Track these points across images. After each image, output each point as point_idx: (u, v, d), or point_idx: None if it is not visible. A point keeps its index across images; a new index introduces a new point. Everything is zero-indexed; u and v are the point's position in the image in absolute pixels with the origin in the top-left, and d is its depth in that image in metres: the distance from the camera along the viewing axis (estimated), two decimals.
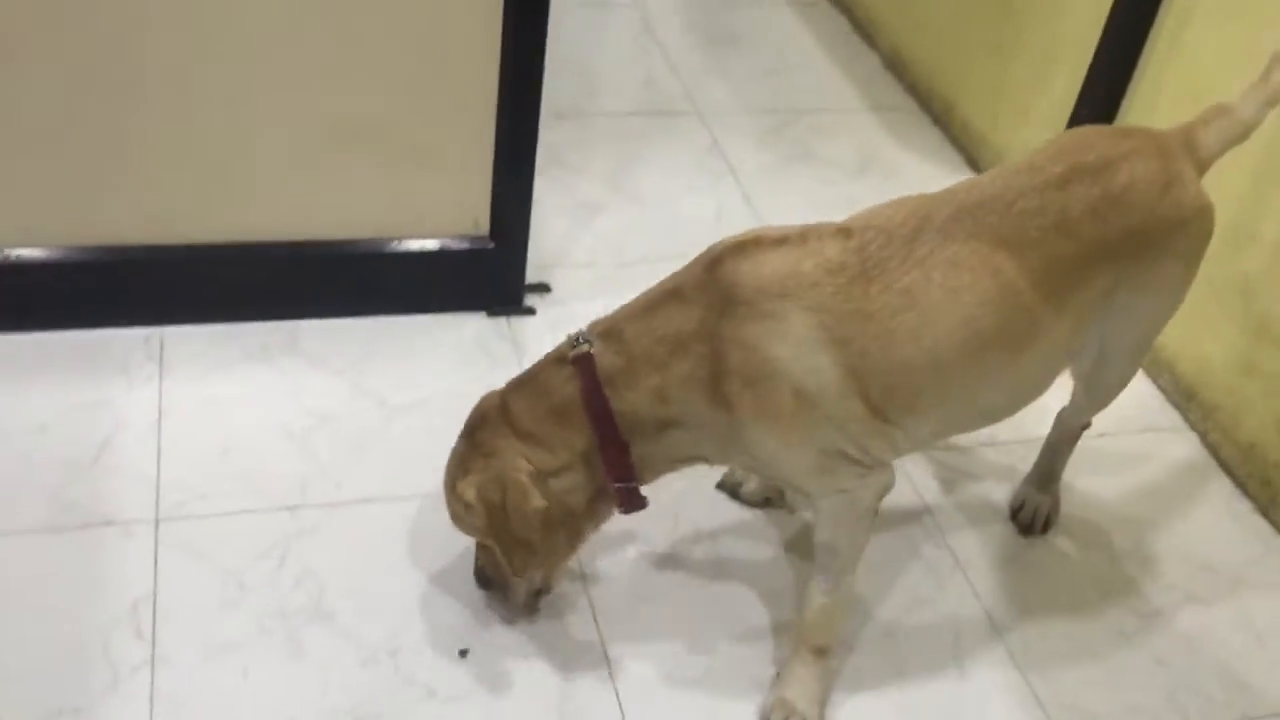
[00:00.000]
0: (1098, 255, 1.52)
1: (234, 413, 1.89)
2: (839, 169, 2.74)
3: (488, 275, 2.15)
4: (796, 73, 3.08)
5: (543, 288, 2.23)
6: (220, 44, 1.80)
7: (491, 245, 2.11)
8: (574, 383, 1.46)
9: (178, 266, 1.98)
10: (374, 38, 1.86)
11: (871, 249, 1.44)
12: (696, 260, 1.48)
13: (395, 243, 2.07)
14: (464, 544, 1.67)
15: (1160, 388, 2.22)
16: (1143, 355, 1.77)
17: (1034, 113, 2.59)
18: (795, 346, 1.40)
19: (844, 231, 1.45)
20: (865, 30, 3.27)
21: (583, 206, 2.48)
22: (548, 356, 1.52)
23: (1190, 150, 1.60)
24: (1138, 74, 2.27)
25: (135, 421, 1.84)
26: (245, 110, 1.87)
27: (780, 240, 1.44)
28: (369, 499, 1.79)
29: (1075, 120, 2.38)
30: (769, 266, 1.41)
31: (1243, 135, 1.64)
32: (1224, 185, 2.03)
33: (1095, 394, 1.79)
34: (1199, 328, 2.12)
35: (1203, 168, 1.61)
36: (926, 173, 2.73)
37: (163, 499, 1.73)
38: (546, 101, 2.03)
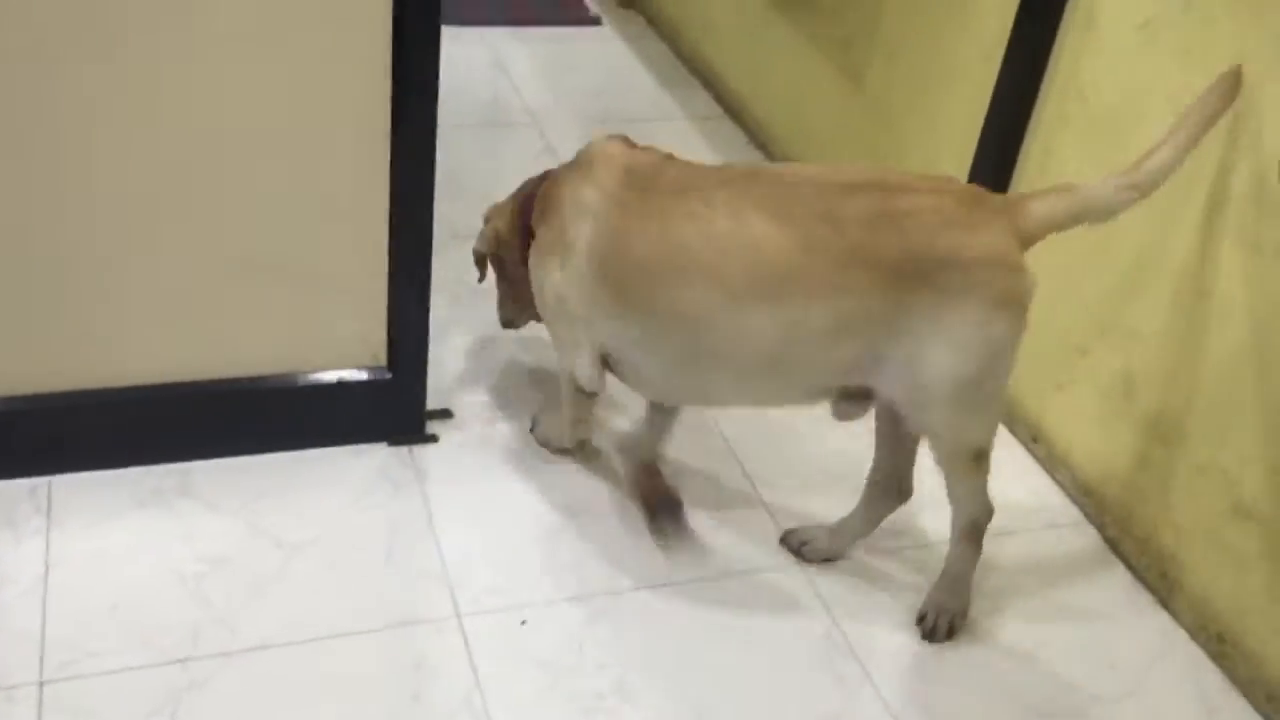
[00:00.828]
0: (862, 264, 1.61)
1: (124, 563, 1.84)
2: None
3: (387, 405, 2.14)
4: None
5: (444, 414, 2.22)
6: (106, 183, 1.79)
7: (389, 376, 2.10)
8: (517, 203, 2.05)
9: (64, 414, 1.94)
10: (262, 172, 1.86)
11: (669, 174, 1.79)
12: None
13: (291, 378, 2.06)
14: (370, 690, 1.63)
15: (1058, 483, 2.26)
16: (968, 411, 1.73)
17: None
18: (573, 201, 1.85)
19: (668, 157, 1.85)
20: (760, 143, 3.36)
21: (486, 324, 2.48)
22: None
23: (1011, 212, 1.65)
24: (1015, 177, 2.35)
25: (20, 577, 1.79)
26: (131, 249, 1.86)
27: (627, 142, 1.90)
28: (265, 645, 1.74)
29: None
30: (610, 149, 1.88)
31: (1090, 215, 1.67)
32: (1101, 282, 2.11)
33: (930, 438, 1.80)
34: (1091, 424, 2.17)
35: (1026, 235, 1.64)
36: None
37: (48, 659, 1.67)
38: (445, 224, 2.07)
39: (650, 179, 1.79)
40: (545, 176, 2.01)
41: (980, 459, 1.79)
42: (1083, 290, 2.15)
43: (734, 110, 3.49)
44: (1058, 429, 2.26)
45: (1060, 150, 2.22)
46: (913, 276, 1.61)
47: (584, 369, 1.93)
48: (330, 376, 2.08)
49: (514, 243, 2.04)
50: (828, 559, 2.03)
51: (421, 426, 2.18)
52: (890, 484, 1.95)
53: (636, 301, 1.78)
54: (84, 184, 1.78)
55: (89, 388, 1.94)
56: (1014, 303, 1.64)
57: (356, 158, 1.90)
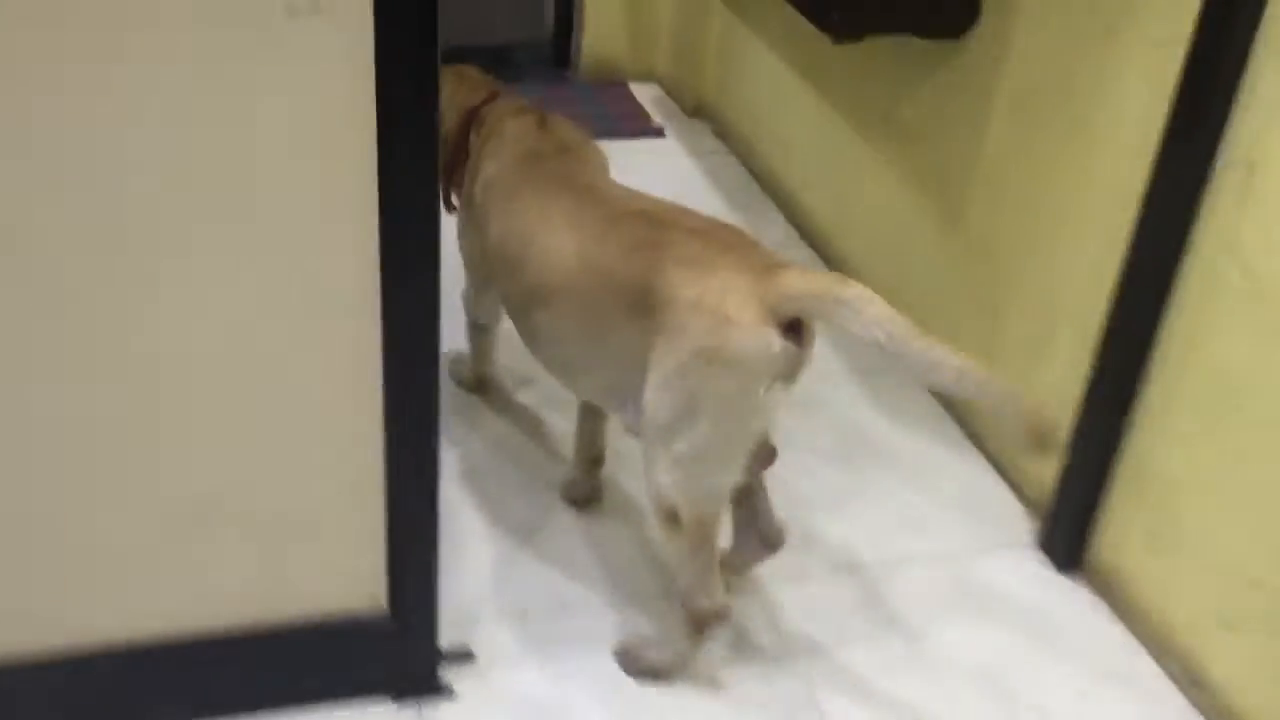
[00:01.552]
0: (611, 287, 1.66)
1: None
2: (817, 453, 2.38)
3: (391, 654, 1.77)
4: None
5: (463, 655, 1.85)
6: (54, 419, 1.47)
7: (391, 619, 1.74)
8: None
9: (11, 686, 1.61)
10: (235, 397, 1.53)
11: (545, 167, 1.92)
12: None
13: (275, 629, 1.70)
14: None
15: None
16: (660, 460, 1.64)
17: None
18: (482, 166, 1.99)
19: (564, 150, 1.99)
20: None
21: (511, 525, 2.12)
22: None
23: (762, 271, 1.55)
24: (1157, 354, 1.92)
25: None
26: (93, 493, 1.53)
27: (539, 118, 2.08)
28: None
29: (1089, 398, 2.03)
30: (521, 127, 2.03)
31: (835, 320, 1.53)
32: None
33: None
34: (1268, 674, 1.72)
35: (769, 302, 1.53)
36: (924, 452, 2.39)
37: None
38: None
39: (531, 167, 1.92)
40: (490, 97, 2.15)
41: (673, 523, 1.67)
42: (1264, 510, 1.72)
43: (814, 239, 3.11)
44: (1225, 676, 1.81)
45: (1212, 328, 1.80)
46: (645, 307, 1.60)
47: (476, 300, 2.19)
48: (320, 624, 1.72)
49: (454, 149, 2.10)
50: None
51: (434, 676, 1.80)
52: (748, 530, 1.90)
53: (493, 274, 1.96)
54: (20, 430, 1.46)
55: (44, 651, 1.61)
56: (719, 359, 1.54)
57: (345, 373, 1.55)
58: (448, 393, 2.42)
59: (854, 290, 1.54)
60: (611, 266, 1.66)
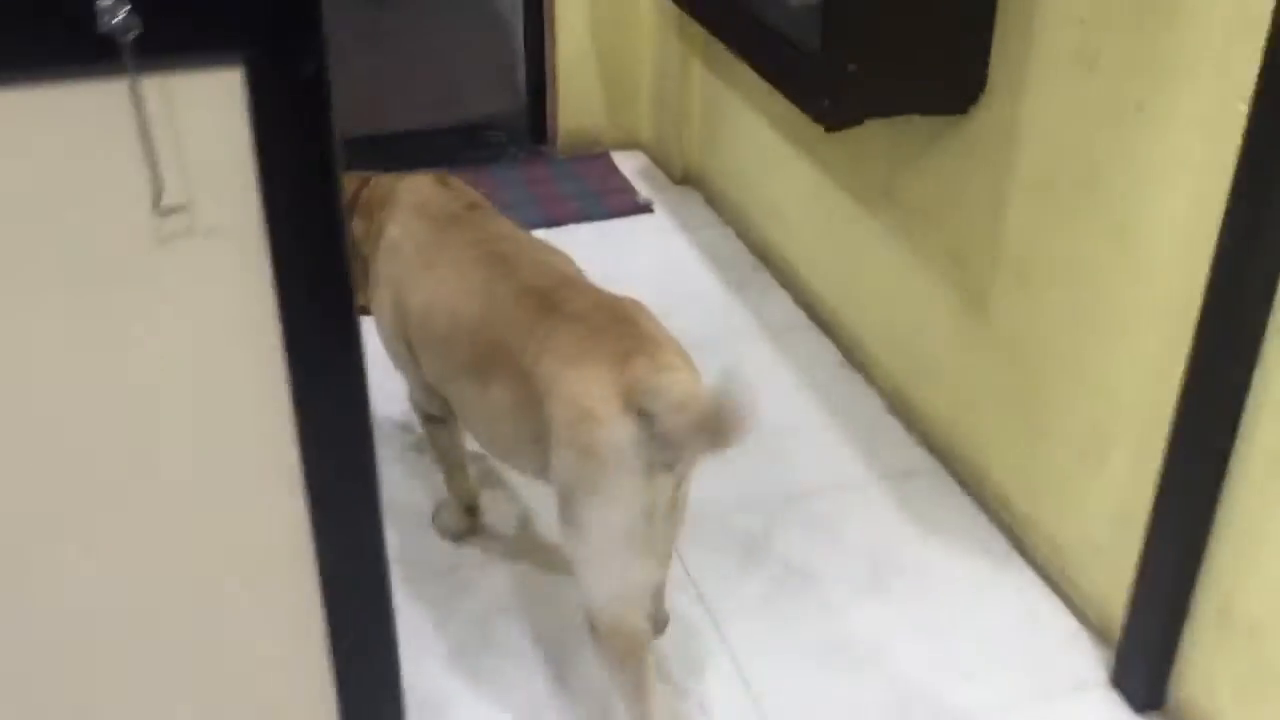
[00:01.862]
0: (504, 364, 1.62)
1: None
2: (848, 583, 2.13)
3: None
4: (781, 436, 2.51)
5: None
6: None
7: None
8: None
9: None
10: (165, 651, 1.29)
11: (456, 230, 1.83)
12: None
13: None
14: None
15: None
16: (569, 555, 1.59)
17: (1090, 502, 1.98)
18: (385, 239, 1.89)
19: (470, 206, 1.90)
20: (860, 365, 2.71)
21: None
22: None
23: (624, 363, 1.49)
24: (1237, 470, 1.66)
25: None
26: None
27: (440, 181, 1.95)
28: None
29: (1158, 520, 1.77)
30: (420, 192, 1.92)
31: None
32: None
33: None
34: None
35: (625, 396, 1.46)
36: (968, 573, 2.13)
37: None
38: None
39: (445, 230, 1.84)
40: (362, 183, 2.00)
41: (593, 629, 1.59)
42: None
43: (821, 320, 2.86)
44: None
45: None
46: (535, 398, 1.57)
47: (412, 386, 1.98)
48: None
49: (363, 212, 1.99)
50: None
51: None
52: None
53: (424, 352, 1.84)
54: None
55: None
56: (586, 454, 1.48)
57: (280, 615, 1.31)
58: (432, 554, 2.18)
59: (663, 378, 1.47)
60: (510, 353, 1.62)
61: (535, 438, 1.58)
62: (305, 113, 1.06)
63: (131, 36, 0.97)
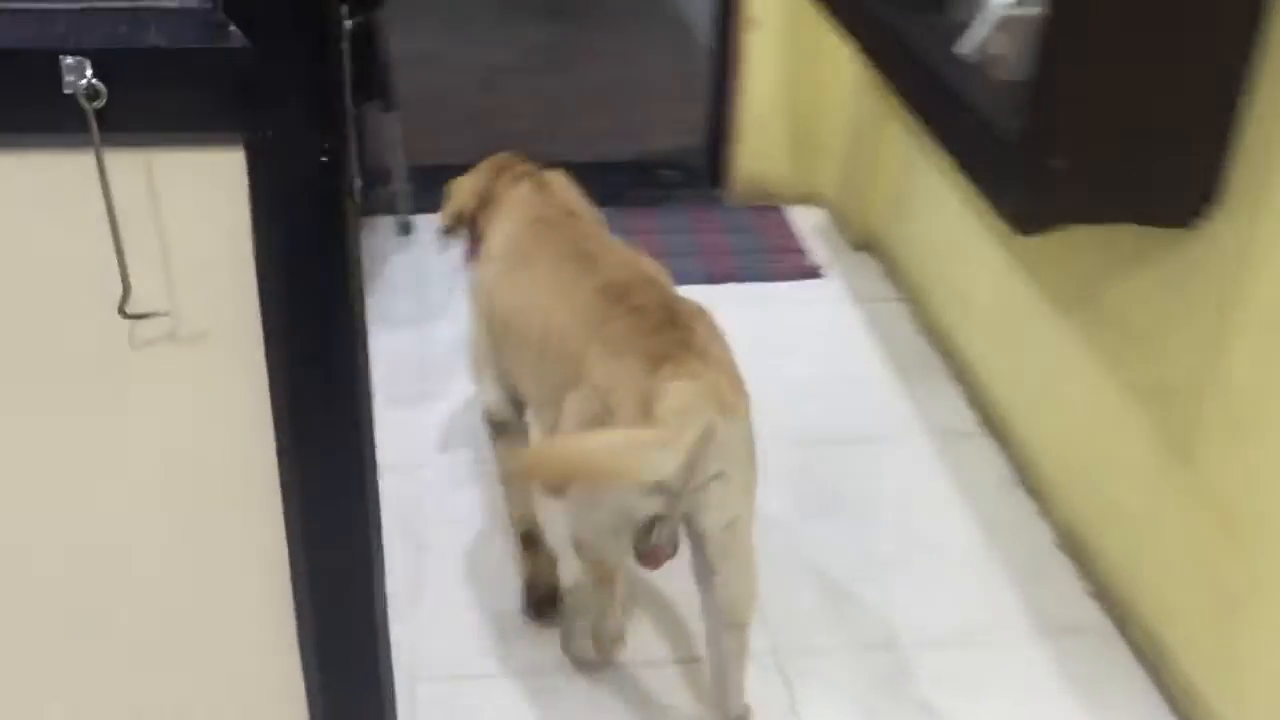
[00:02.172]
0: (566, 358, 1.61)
1: None
2: None
3: None
4: (929, 558, 2.19)
5: None
6: None
7: None
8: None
9: None
10: None
11: (555, 234, 1.84)
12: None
13: None
14: None
15: None
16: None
17: None
18: (491, 242, 1.95)
19: (570, 214, 1.93)
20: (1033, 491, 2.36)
21: None
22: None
23: (655, 374, 1.46)
24: None
25: None
26: None
27: (537, 184, 2.00)
28: None
29: None
30: (526, 198, 1.96)
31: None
32: None
33: None
34: None
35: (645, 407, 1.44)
36: None
37: None
38: None
39: (539, 235, 1.84)
40: (503, 169, 2.04)
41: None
42: None
43: (994, 427, 2.52)
44: None
45: None
46: (579, 376, 1.57)
47: (489, 393, 1.94)
48: None
49: (472, 223, 2.04)
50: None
51: None
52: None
53: (503, 352, 1.84)
54: None
55: None
56: None
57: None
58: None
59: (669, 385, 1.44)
60: (572, 336, 1.61)
61: None
62: (317, 203, 0.84)
63: (98, 104, 0.77)
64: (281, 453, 0.92)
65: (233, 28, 0.78)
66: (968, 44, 1.98)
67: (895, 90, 2.27)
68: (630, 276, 1.67)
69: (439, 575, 2.12)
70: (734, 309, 3.26)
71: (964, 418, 2.58)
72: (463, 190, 2.08)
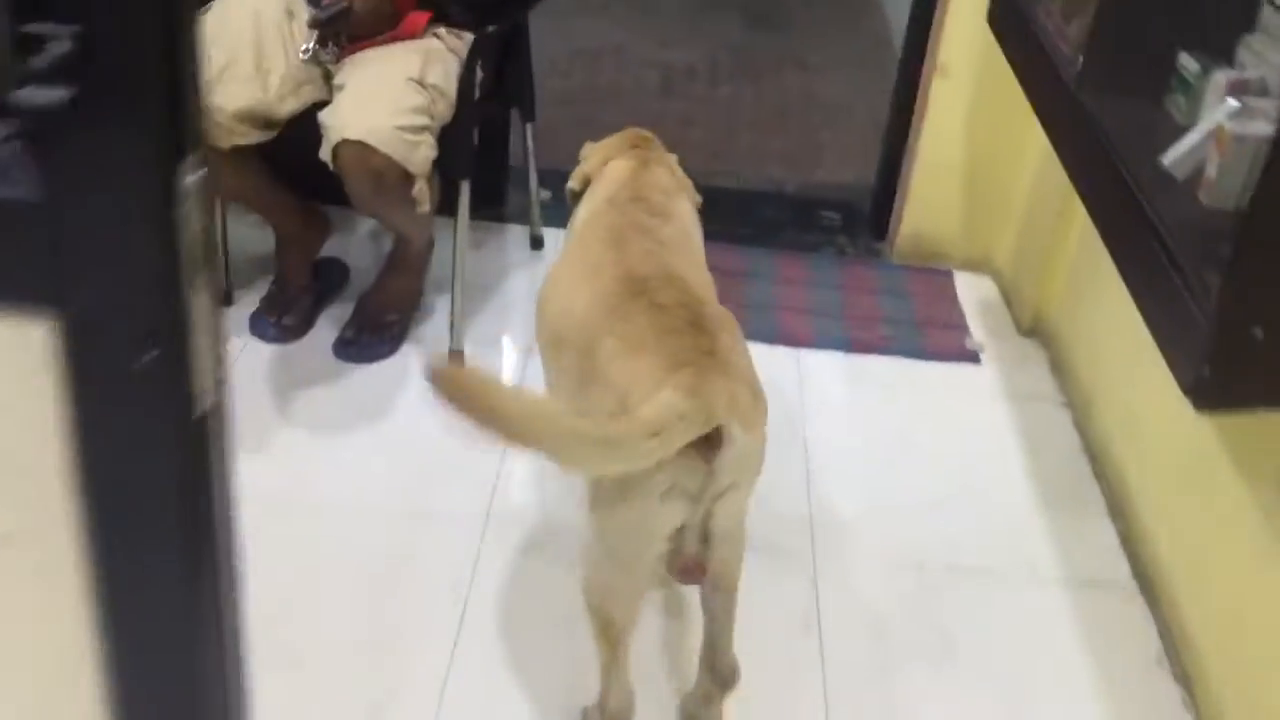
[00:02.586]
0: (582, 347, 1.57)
1: None
2: None
3: None
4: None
5: None
6: None
7: None
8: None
9: None
10: None
11: (640, 238, 1.71)
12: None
13: None
14: None
15: None
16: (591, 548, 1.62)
17: None
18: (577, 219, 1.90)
19: (664, 216, 1.80)
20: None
21: None
22: None
23: (674, 374, 1.42)
24: None
25: None
26: None
27: (645, 167, 1.91)
28: None
29: None
30: (641, 187, 1.86)
31: None
32: None
33: None
34: None
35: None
36: None
37: None
38: None
39: (601, 216, 1.79)
40: (637, 142, 1.99)
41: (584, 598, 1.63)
42: None
43: (1147, 581, 2.15)
44: None
45: None
46: (593, 371, 1.54)
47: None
48: None
49: None
50: None
51: None
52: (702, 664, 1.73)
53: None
54: None
55: None
56: None
57: None
58: None
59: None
60: (589, 327, 1.57)
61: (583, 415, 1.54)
62: (139, 402, 0.61)
63: None
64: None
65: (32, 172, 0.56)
66: (1175, 155, 1.63)
67: (1076, 185, 1.92)
68: (652, 270, 1.61)
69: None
70: (870, 387, 2.93)
71: (1114, 566, 2.21)
72: (594, 155, 2.01)
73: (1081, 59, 1.95)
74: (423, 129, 2.21)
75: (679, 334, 1.48)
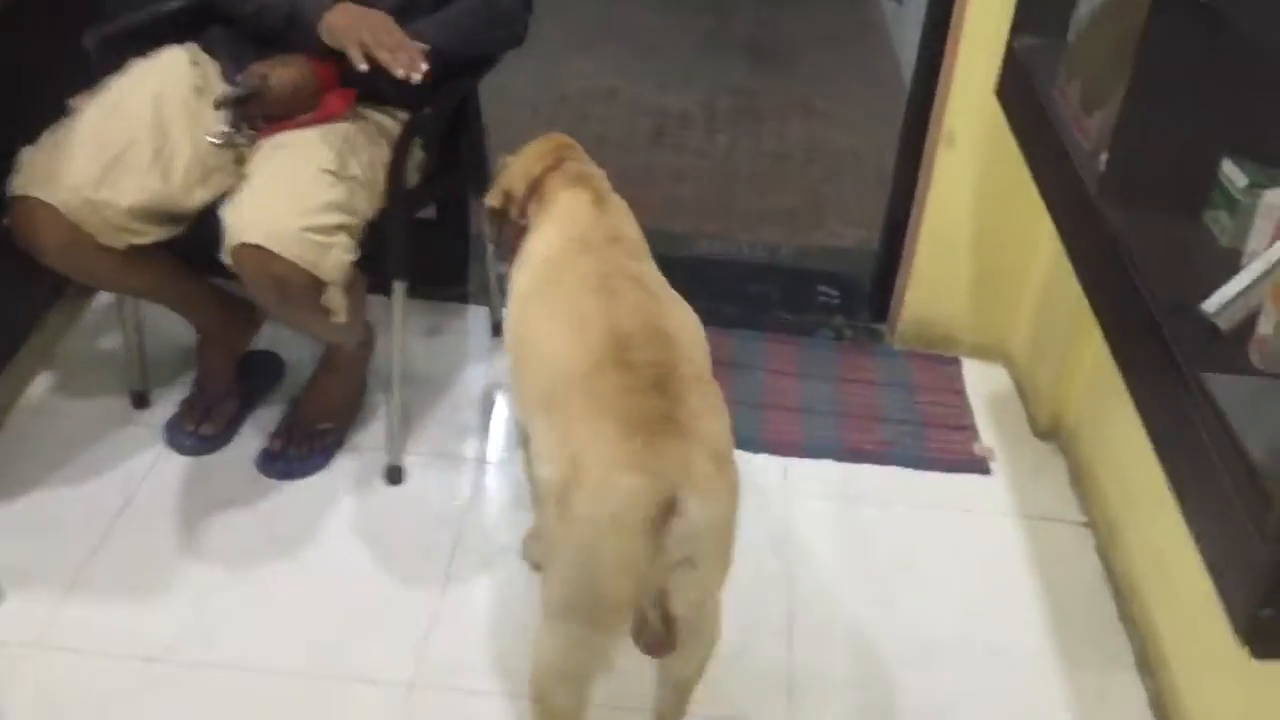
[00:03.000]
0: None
1: None
2: None
3: None
4: None
5: None
6: None
7: None
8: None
9: None
10: None
11: (587, 259, 1.69)
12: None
13: None
14: None
15: None
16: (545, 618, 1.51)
17: None
18: (531, 248, 1.81)
19: (612, 239, 1.74)
20: None
21: None
22: None
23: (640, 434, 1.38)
24: None
25: None
26: None
27: (592, 191, 1.82)
28: None
29: None
30: (578, 208, 1.79)
31: None
32: None
33: None
34: None
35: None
36: None
37: None
38: None
39: (578, 257, 1.70)
40: (559, 161, 1.87)
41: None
42: None
43: None
44: None
45: None
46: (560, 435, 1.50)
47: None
48: None
49: (520, 211, 1.86)
50: None
51: None
52: None
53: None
54: None
55: None
56: (562, 520, 1.41)
57: None
58: None
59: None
60: (564, 385, 1.51)
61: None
62: None
63: None
64: None
65: None
66: (1219, 301, 1.32)
67: (1095, 311, 1.62)
68: (638, 326, 1.53)
69: None
70: (865, 505, 2.68)
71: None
72: (514, 171, 1.90)
73: (1104, 159, 1.64)
74: (337, 229, 1.92)
75: (641, 394, 1.42)
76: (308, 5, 2.00)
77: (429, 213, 2.68)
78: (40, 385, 2.45)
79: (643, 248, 1.76)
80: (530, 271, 1.74)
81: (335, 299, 1.93)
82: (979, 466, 2.46)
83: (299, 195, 1.90)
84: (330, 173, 1.94)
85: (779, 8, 5.27)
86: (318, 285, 1.90)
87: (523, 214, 1.85)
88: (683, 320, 1.62)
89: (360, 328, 2.24)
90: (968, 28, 2.44)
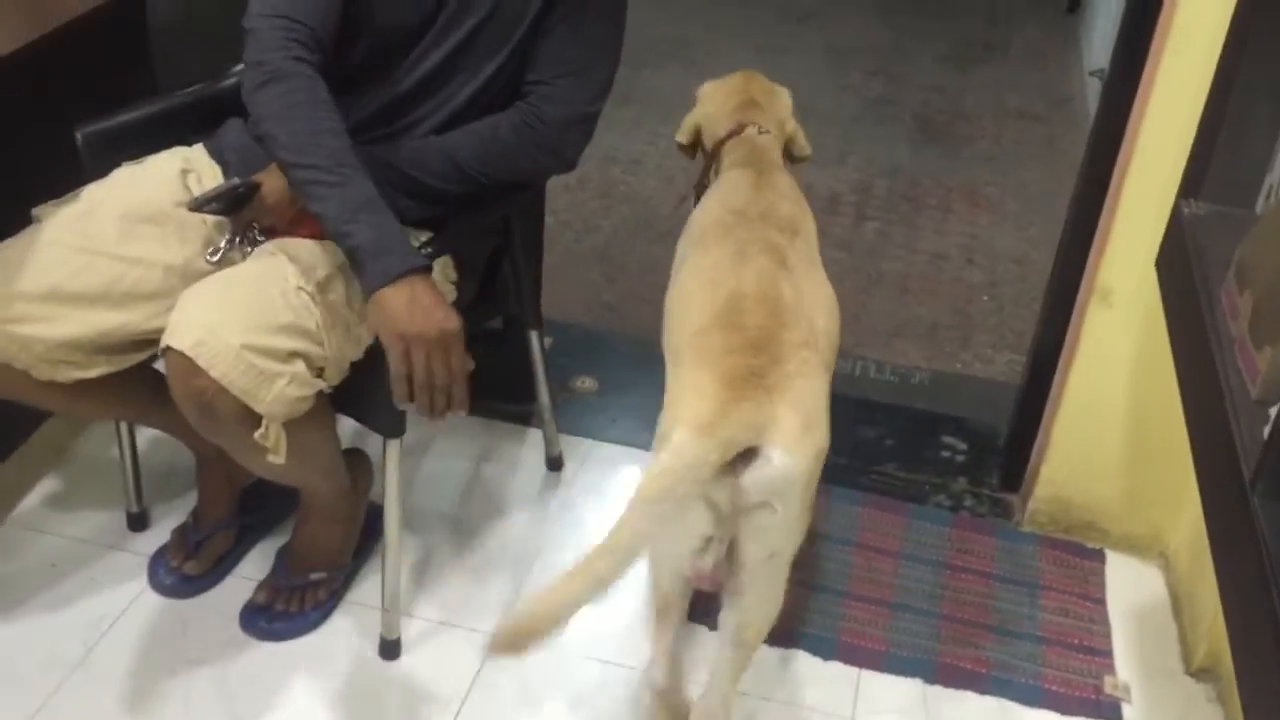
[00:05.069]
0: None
1: None
2: None
3: None
4: None
5: None
6: None
7: None
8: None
9: None
10: None
11: (740, 229, 1.75)
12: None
13: None
14: None
15: None
16: None
17: None
18: (691, 218, 1.93)
19: (764, 216, 1.80)
20: None
21: None
22: None
23: (731, 389, 1.46)
24: None
25: None
26: None
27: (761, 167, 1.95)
28: None
29: None
30: (745, 185, 1.89)
31: None
32: None
33: None
34: None
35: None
36: None
37: None
38: None
39: (727, 230, 1.76)
40: (740, 126, 2.00)
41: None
42: None
43: None
44: None
45: None
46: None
47: None
48: None
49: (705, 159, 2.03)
50: None
51: None
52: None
53: None
54: None
55: None
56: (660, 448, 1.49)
57: None
58: None
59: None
60: (680, 335, 1.62)
61: None
62: None
63: None
64: None
65: None
66: None
67: (1227, 619, 1.15)
68: (753, 290, 1.59)
69: None
70: None
71: None
72: (706, 113, 2.08)
73: (1275, 415, 1.17)
74: (290, 356, 1.58)
75: (739, 354, 1.48)
76: (372, 248, 1.59)
77: (496, 321, 2.38)
78: (42, 490, 2.23)
79: (801, 224, 1.81)
80: (689, 239, 1.85)
81: (272, 436, 1.59)
82: (1107, 710, 1.96)
83: (256, 307, 1.57)
84: (307, 292, 1.63)
85: (965, 73, 4.78)
86: (252, 416, 1.57)
87: (712, 158, 2.01)
88: (806, 292, 1.65)
89: (329, 473, 1.91)
90: (1133, 171, 1.96)
